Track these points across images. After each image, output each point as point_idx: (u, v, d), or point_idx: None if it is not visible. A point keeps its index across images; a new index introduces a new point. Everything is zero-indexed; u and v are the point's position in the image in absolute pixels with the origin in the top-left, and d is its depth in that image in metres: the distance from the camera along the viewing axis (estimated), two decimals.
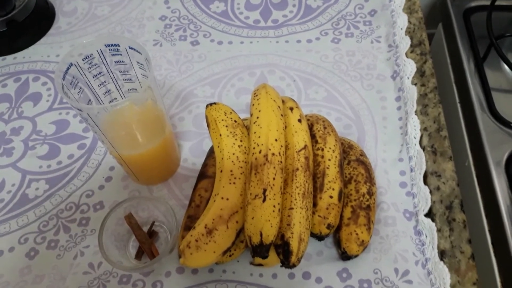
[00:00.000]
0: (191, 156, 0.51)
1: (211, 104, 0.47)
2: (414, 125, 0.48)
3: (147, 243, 0.43)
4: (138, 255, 0.44)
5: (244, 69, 0.57)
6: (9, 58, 0.62)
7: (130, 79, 0.43)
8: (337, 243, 0.42)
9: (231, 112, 0.46)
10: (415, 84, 0.53)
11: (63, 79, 0.38)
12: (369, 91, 0.54)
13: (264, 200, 0.38)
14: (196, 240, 0.39)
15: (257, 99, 0.44)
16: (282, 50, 0.59)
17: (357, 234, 0.40)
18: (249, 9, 0.64)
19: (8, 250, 0.46)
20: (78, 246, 0.45)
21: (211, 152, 0.48)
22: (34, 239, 0.46)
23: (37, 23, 0.64)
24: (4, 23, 0.60)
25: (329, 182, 0.41)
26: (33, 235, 0.46)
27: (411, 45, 0.56)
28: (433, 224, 0.42)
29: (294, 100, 0.46)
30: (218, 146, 0.44)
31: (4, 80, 0.60)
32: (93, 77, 0.41)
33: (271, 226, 0.37)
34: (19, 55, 0.62)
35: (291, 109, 0.45)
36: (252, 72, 0.57)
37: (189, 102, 0.55)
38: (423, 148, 0.48)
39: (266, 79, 0.56)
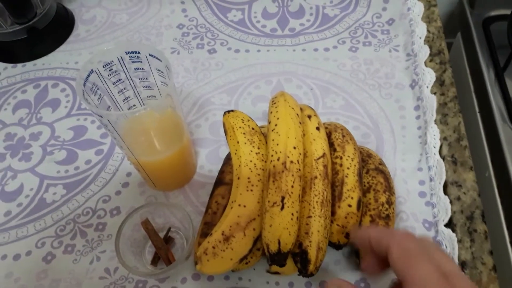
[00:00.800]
0: (208, 163, 0.51)
1: (228, 112, 0.47)
2: (434, 135, 0.48)
3: (163, 249, 0.43)
4: (154, 261, 0.44)
5: (261, 77, 0.57)
6: (29, 64, 0.63)
7: (149, 86, 0.43)
8: (355, 252, 0.41)
9: (248, 120, 0.46)
10: (435, 93, 0.52)
11: (84, 86, 0.38)
12: (388, 100, 0.53)
13: (282, 208, 0.37)
14: (213, 247, 0.39)
15: (275, 107, 0.44)
16: (299, 58, 0.59)
17: None
18: (266, 17, 0.64)
19: (25, 254, 0.46)
20: (95, 251, 0.45)
21: (227, 159, 0.48)
22: (51, 243, 0.46)
23: (57, 30, 0.65)
24: (25, 30, 0.62)
25: (348, 190, 0.40)
26: (50, 239, 0.47)
27: (430, 54, 0.55)
28: (454, 234, 0.42)
29: (312, 108, 0.46)
30: (236, 153, 0.44)
31: (24, 86, 0.61)
32: (113, 84, 0.42)
33: (289, 234, 0.37)
34: (39, 61, 0.63)
35: (309, 117, 0.45)
36: (268, 80, 0.57)
37: (206, 110, 0.55)
38: (443, 158, 0.48)
39: (283, 87, 0.56)
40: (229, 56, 0.60)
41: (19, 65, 0.63)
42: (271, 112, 0.44)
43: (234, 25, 0.64)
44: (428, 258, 0.28)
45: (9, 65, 0.63)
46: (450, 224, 0.44)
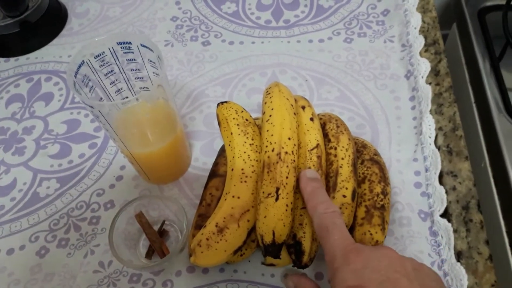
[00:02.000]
0: (202, 155, 0.51)
1: (222, 103, 0.47)
2: (429, 125, 0.47)
3: (157, 242, 0.43)
4: (149, 254, 0.44)
5: (255, 69, 0.57)
6: (22, 58, 0.63)
7: (142, 78, 0.43)
8: None
9: (242, 111, 0.46)
10: (430, 84, 0.52)
11: (75, 77, 0.38)
12: (383, 91, 0.53)
13: (277, 199, 0.37)
14: (207, 239, 0.38)
15: (270, 97, 0.43)
16: (293, 50, 0.58)
17: (371, 234, 0.39)
18: (261, 9, 0.64)
19: (19, 248, 0.46)
20: (89, 244, 0.45)
21: (222, 151, 0.47)
22: (45, 237, 0.46)
23: (50, 24, 0.64)
24: (17, 24, 0.61)
25: (342, 181, 0.40)
26: (44, 233, 0.46)
27: (425, 44, 0.55)
28: (449, 224, 0.41)
29: (306, 99, 0.46)
30: (229, 145, 0.44)
31: (17, 80, 0.60)
32: (105, 76, 0.41)
33: (284, 226, 0.37)
34: (32, 55, 0.63)
35: (303, 107, 0.44)
36: (263, 72, 0.57)
37: (200, 102, 0.55)
38: (438, 148, 0.47)
39: (278, 79, 0.56)
40: (224, 48, 0.60)
41: (12, 59, 0.63)
42: (265, 103, 0.44)
43: (228, 17, 0.63)
44: None
45: (2, 59, 0.63)
46: (446, 214, 0.43)
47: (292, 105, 0.43)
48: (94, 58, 0.39)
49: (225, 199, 0.40)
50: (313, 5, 0.63)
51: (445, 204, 0.43)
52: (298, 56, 0.57)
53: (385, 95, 0.52)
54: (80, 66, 0.38)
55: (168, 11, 0.65)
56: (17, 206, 0.49)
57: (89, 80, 0.39)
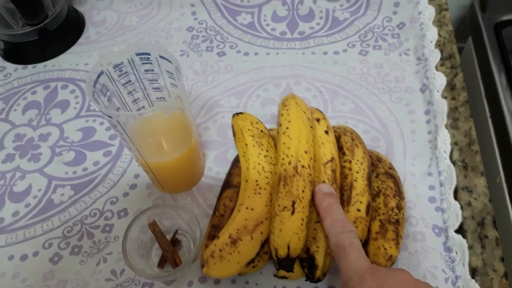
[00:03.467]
0: (215, 165, 0.51)
1: (237, 114, 0.47)
2: (444, 139, 0.47)
3: (170, 252, 0.43)
4: (161, 263, 0.44)
5: (269, 80, 0.57)
6: (40, 66, 0.64)
7: (159, 88, 0.43)
8: None
9: (257, 122, 0.46)
10: (445, 98, 0.52)
11: (94, 86, 0.38)
12: (398, 104, 0.53)
13: (293, 213, 0.37)
14: (220, 250, 0.38)
15: (287, 109, 0.43)
16: (308, 61, 0.58)
17: (385, 248, 0.39)
18: (276, 21, 0.64)
19: (33, 255, 0.46)
20: (101, 252, 0.45)
21: (235, 161, 0.47)
22: (58, 244, 0.46)
23: (68, 32, 0.66)
24: (36, 32, 0.62)
25: (357, 195, 0.40)
26: (57, 240, 0.47)
27: (441, 58, 0.55)
28: (464, 240, 0.41)
29: (321, 111, 0.46)
30: (244, 156, 0.44)
31: (34, 87, 0.61)
32: (123, 85, 0.42)
33: (299, 240, 0.37)
34: (49, 63, 0.64)
35: (318, 120, 0.44)
36: (277, 83, 0.57)
37: (215, 112, 0.55)
38: (454, 163, 0.47)
39: (292, 90, 0.56)
40: (238, 59, 0.60)
41: (30, 66, 0.64)
42: (282, 115, 0.44)
43: (244, 28, 0.64)
44: None
45: (20, 66, 0.64)
46: (460, 230, 0.43)
47: (308, 118, 0.43)
48: (113, 68, 0.40)
49: (239, 211, 0.40)
50: (329, 17, 0.63)
51: (460, 220, 0.42)
52: (313, 68, 0.57)
53: (400, 108, 0.52)
54: (99, 75, 0.38)
55: (184, 21, 0.65)
56: (31, 213, 0.49)
57: (107, 89, 0.40)
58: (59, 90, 0.60)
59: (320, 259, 0.37)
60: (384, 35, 0.60)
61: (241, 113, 0.47)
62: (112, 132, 0.55)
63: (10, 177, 0.52)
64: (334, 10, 0.63)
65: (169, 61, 0.39)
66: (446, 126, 0.48)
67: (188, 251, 0.45)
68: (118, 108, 0.42)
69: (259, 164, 0.42)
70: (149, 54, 0.40)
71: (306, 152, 0.40)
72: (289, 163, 0.39)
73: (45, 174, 0.52)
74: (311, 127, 0.43)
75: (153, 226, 0.43)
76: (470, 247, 0.42)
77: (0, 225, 0.48)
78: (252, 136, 0.44)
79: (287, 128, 0.42)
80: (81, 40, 0.66)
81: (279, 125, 0.44)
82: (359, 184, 0.40)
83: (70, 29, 0.66)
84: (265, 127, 0.46)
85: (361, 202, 0.39)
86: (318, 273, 0.37)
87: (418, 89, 0.54)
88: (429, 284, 0.31)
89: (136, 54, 0.40)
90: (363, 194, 0.40)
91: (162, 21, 0.66)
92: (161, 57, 0.39)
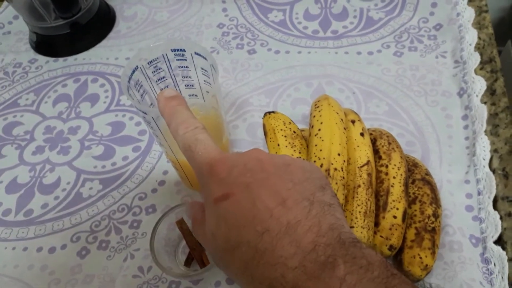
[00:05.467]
0: None
1: (269, 113, 0.46)
2: (483, 146, 0.45)
3: (197, 251, 0.42)
4: (188, 262, 0.43)
5: (301, 79, 0.56)
6: (70, 59, 0.64)
7: (192, 85, 0.43)
8: (398, 265, 0.39)
9: (290, 122, 0.45)
10: (485, 103, 0.50)
11: (129, 82, 0.38)
12: (434, 108, 0.51)
13: None
14: None
15: (319, 111, 0.42)
16: (341, 61, 0.57)
17: (420, 257, 0.37)
18: (308, 19, 0.63)
19: (61, 248, 0.46)
20: (129, 248, 0.45)
21: None
22: (86, 238, 0.46)
23: (99, 26, 0.66)
24: (68, 25, 0.62)
25: (393, 201, 0.39)
26: (85, 234, 0.47)
27: (480, 62, 0.53)
28: (504, 252, 0.39)
29: (356, 113, 0.45)
30: None
31: (64, 80, 0.61)
32: (156, 81, 0.41)
33: None
34: (80, 56, 0.64)
35: (353, 122, 0.43)
36: (309, 83, 0.56)
37: (244, 111, 0.54)
38: (493, 171, 0.45)
39: (324, 90, 0.54)
40: (269, 57, 0.59)
41: (61, 59, 0.64)
42: (314, 116, 0.43)
43: (275, 25, 0.63)
44: None
45: (51, 59, 0.64)
46: (499, 241, 0.41)
47: (342, 119, 0.42)
48: (148, 63, 0.39)
49: None
50: (363, 17, 0.61)
51: (499, 231, 0.40)
52: (346, 68, 0.56)
53: (436, 112, 0.50)
54: (134, 71, 0.38)
55: (215, 17, 0.65)
56: (60, 205, 0.49)
57: (141, 85, 0.40)
58: (89, 83, 0.60)
59: None
60: (420, 36, 0.58)
61: (273, 112, 0.46)
62: (142, 128, 0.54)
63: (40, 169, 0.52)
64: (369, 10, 0.62)
65: (205, 58, 0.38)
66: (485, 132, 0.46)
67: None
68: (151, 104, 0.42)
69: None
70: (184, 51, 0.39)
71: (339, 154, 0.39)
72: (321, 166, 0.38)
73: (74, 167, 0.52)
74: (345, 128, 0.42)
75: (181, 223, 0.43)
76: (510, 260, 0.40)
77: (29, 216, 0.49)
78: (285, 136, 0.43)
79: (319, 129, 0.41)
80: (111, 34, 0.66)
81: (311, 126, 0.43)
82: (396, 190, 0.39)
83: (101, 23, 0.66)
84: (298, 128, 0.45)
85: (397, 209, 0.38)
86: None
87: (456, 93, 0.52)
88: (288, 156, 0.29)
89: (171, 50, 0.39)
90: (400, 201, 0.38)
91: (193, 17, 0.66)
92: (196, 53, 0.39)
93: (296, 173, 0.27)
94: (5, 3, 0.73)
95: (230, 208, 0.26)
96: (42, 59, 0.64)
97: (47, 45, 0.65)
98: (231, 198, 0.26)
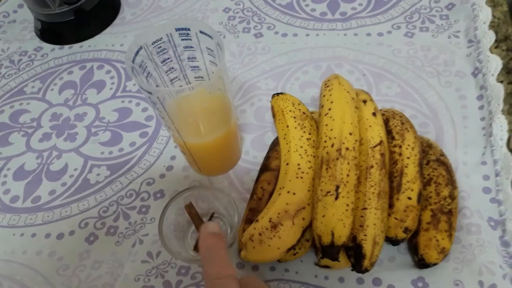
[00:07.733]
0: (252, 149, 0.49)
1: (277, 94, 0.45)
2: (501, 126, 0.44)
3: None
4: (197, 247, 0.42)
5: (309, 62, 0.55)
6: (76, 46, 0.63)
7: (198, 67, 0.42)
8: (413, 249, 0.38)
9: (299, 103, 0.44)
10: (501, 82, 0.48)
11: (133, 63, 0.37)
12: (447, 89, 0.49)
13: (336, 198, 0.35)
14: (260, 234, 0.37)
15: (329, 90, 0.41)
16: (350, 43, 0.56)
17: (437, 240, 0.36)
18: (316, 1, 0.61)
19: (69, 234, 0.46)
20: (137, 234, 0.44)
21: (274, 144, 0.45)
22: (94, 224, 0.46)
23: (103, 13, 0.65)
24: (72, 11, 0.62)
25: (408, 182, 0.37)
26: (93, 220, 0.46)
27: (495, 41, 0.51)
28: None
29: (367, 93, 0.43)
30: (284, 138, 0.42)
31: (70, 67, 0.61)
32: (161, 62, 0.40)
33: (344, 226, 0.34)
34: (85, 43, 0.63)
35: (365, 101, 0.42)
36: (317, 65, 0.54)
37: (252, 95, 0.53)
38: (511, 151, 0.44)
39: (333, 72, 0.53)
40: (276, 40, 0.58)
41: (66, 46, 0.63)
42: (324, 96, 0.41)
43: (282, 8, 0.61)
44: None
45: (56, 47, 0.64)
46: None
47: (353, 98, 0.41)
48: (152, 44, 0.38)
49: (279, 194, 0.39)
50: None
51: None
52: (356, 50, 0.55)
53: (450, 93, 0.49)
54: (138, 51, 0.37)
55: (221, 2, 0.64)
56: (67, 192, 0.49)
57: (146, 66, 0.39)
58: (95, 70, 0.60)
59: (368, 248, 0.35)
60: (432, 16, 0.57)
61: (281, 93, 0.45)
62: (149, 113, 0.54)
63: (47, 156, 0.52)
64: None
65: (210, 37, 0.37)
66: (502, 112, 0.45)
67: (224, 235, 0.43)
68: (157, 85, 0.41)
69: (301, 147, 0.40)
70: (189, 30, 0.38)
71: (350, 133, 0.38)
72: (332, 146, 0.37)
73: (81, 154, 0.52)
74: (356, 107, 0.41)
75: (190, 208, 0.42)
76: None
77: (37, 203, 0.48)
78: (294, 117, 0.42)
79: (329, 109, 0.40)
80: (116, 21, 0.65)
81: (321, 106, 0.42)
82: (410, 170, 0.38)
83: (106, 10, 0.65)
84: (308, 109, 0.44)
85: (412, 190, 0.37)
86: (366, 263, 0.35)
87: (470, 73, 0.50)
88: None
89: (175, 29, 0.38)
90: (415, 182, 0.37)
91: (198, 1, 0.64)
92: (201, 32, 0.37)
93: None
94: None
95: None
96: (47, 47, 0.64)
97: (52, 32, 0.64)
98: None
